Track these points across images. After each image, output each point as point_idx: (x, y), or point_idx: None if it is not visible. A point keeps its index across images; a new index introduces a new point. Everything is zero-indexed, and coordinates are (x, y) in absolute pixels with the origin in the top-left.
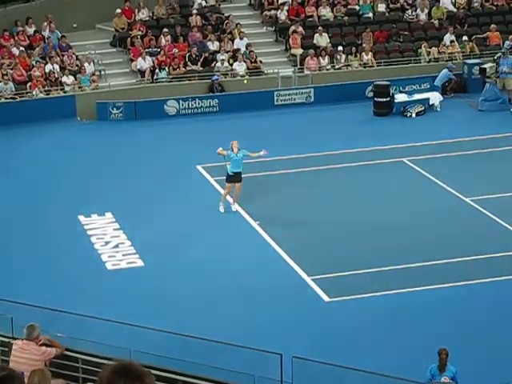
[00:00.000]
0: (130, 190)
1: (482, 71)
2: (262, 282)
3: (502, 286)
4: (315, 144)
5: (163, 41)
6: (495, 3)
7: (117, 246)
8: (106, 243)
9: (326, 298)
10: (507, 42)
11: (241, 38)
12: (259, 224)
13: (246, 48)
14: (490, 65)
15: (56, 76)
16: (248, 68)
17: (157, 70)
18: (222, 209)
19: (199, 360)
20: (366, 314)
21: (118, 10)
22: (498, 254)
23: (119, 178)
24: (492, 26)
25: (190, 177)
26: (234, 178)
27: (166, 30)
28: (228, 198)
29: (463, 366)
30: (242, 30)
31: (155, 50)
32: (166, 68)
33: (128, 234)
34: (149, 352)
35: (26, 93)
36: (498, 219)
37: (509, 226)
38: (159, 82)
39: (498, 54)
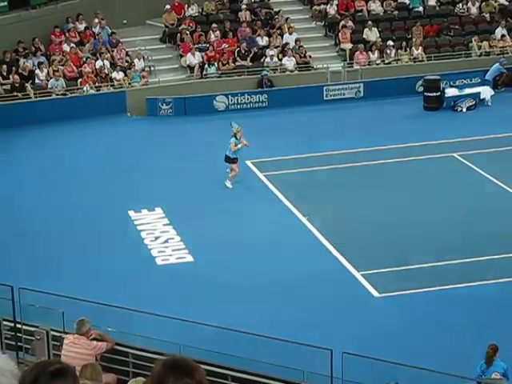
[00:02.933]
0: (180, 185)
1: None
2: (310, 278)
3: None
4: (365, 139)
5: (212, 36)
6: None
7: (166, 242)
8: (156, 238)
9: (375, 294)
10: None
11: (290, 33)
12: (308, 219)
13: (295, 43)
14: None
15: (106, 72)
16: (297, 63)
17: (206, 66)
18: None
19: (248, 355)
20: (416, 310)
21: (168, 6)
22: None
23: (169, 174)
24: None
25: (240, 172)
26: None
27: (215, 25)
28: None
29: None
30: (292, 24)
31: (204, 45)
32: (216, 63)
33: (177, 229)
34: (198, 347)
35: (77, 89)
36: None
37: None
38: (208, 77)
39: None
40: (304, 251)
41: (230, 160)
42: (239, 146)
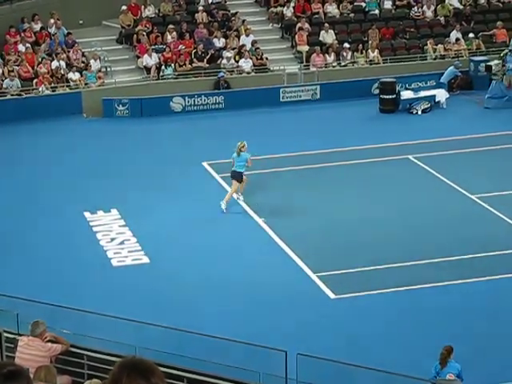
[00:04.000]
0: (136, 186)
1: (488, 68)
2: (266, 279)
3: (499, 284)
4: (321, 141)
5: (169, 37)
6: (502, 0)
7: (122, 243)
8: (112, 240)
9: (331, 295)
10: None
11: (247, 35)
12: (265, 221)
13: (252, 45)
14: (496, 62)
15: (62, 73)
16: (254, 65)
17: (163, 67)
18: (224, 206)
19: (204, 356)
20: (371, 312)
21: (124, 7)
22: (504, 252)
23: (125, 175)
24: (498, 22)
25: (196, 173)
26: (232, 176)
27: (171, 26)
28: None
29: (469, 364)
30: (248, 26)
31: (161, 46)
32: (172, 65)
33: (133, 230)
34: (154, 348)
35: (32, 89)
36: (503, 216)
37: None
38: (165, 78)
39: (505, 51)
40: (260, 253)
41: (240, 177)
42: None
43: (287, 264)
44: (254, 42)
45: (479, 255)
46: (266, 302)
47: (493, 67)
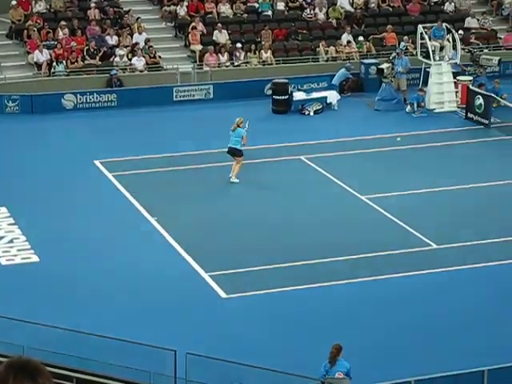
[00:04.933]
0: (26, 185)
1: (380, 71)
2: (158, 279)
3: (385, 283)
4: (214, 141)
5: (61, 34)
6: (391, 4)
7: (11, 241)
8: (0, 238)
9: (223, 295)
10: (402, 43)
11: (140, 33)
12: (157, 220)
13: (145, 43)
14: (386, 65)
15: None
16: (147, 63)
17: (54, 64)
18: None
19: (94, 357)
20: (262, 311)
21: (14, 2)
22: (393, 252)
23: (15, 173)
24: (388, 26)
25: (87, 172)
26: (229, 152)
27: (63, 22)
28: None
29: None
30: (142, 24)
31: (52, 43)
32: (64, 61)
33: (23, 229)
34: (43, 349)
35: None
36: (392, 217)
37: (402, 223)
38: (56, 75)
39: (393, 55)
40: (152, 252)
41: (238, 153)
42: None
43: (179, 263)
44: (147, 41)
45: (367, 255)
46: (157, 301)
47: (384, 70)
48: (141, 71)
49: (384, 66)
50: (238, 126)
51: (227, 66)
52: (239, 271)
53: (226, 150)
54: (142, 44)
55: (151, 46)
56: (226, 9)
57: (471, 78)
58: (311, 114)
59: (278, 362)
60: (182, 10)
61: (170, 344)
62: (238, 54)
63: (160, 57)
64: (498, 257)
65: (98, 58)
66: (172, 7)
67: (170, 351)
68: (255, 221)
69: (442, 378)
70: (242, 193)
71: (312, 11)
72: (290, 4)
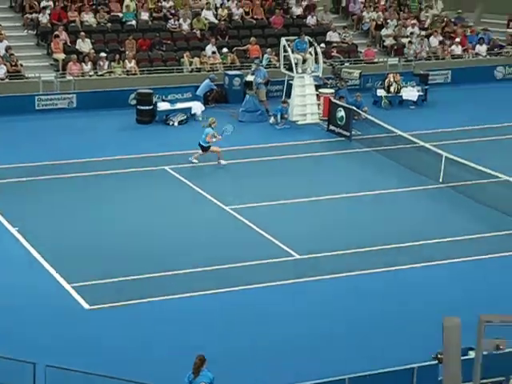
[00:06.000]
0: None
1: (248, 84)
2: (20, 290)
3: (258, 292)
4: (77, 151)
5: None
6: (255, 17)
7: None
8: None
9: (86, 306)
10: (266, 55)
11: (0, 41)
12: (18, 230)
13: (6, 51)
14: (251, 77)
15: None
16: (8, 71)
17: None
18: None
19: None
20: (127, 322)
21: None
22: (257, 262)
23: None
24: (252, 38)
25: None
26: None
27: None
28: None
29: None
30: (2, 32)
31: None
32: None
33: None
34: None
35: None
36: (255, 227)
37: (264, 233)
38: None
39: (253, 67)
40: (13, 263)
41: (204, 148)
42: (214, 139)
43: (41, 274)
44: (8, 48)
45: (233, 265)
46: (18, 313)
47: (253, 82)
48: (2, 79)
49: (251, 78)
50: (209, 126)
51: (91, 76)
52: (103, 282)
53: None
54: (2, 52)
55: (12, 54)
56: (89, 17)
57: (333, 90)
58: (175, 124)
59: (142, 373)
60: (44, 18)
61: (29, 357)
62: (101, 63)
63: (22, 65)
64: (360, 266)
65: None
66: (34, 15)
67: (29, 364)
68: (121, 231)
69: None
70: (106, 203)
71: (176, 22)
72: (155, 14)
